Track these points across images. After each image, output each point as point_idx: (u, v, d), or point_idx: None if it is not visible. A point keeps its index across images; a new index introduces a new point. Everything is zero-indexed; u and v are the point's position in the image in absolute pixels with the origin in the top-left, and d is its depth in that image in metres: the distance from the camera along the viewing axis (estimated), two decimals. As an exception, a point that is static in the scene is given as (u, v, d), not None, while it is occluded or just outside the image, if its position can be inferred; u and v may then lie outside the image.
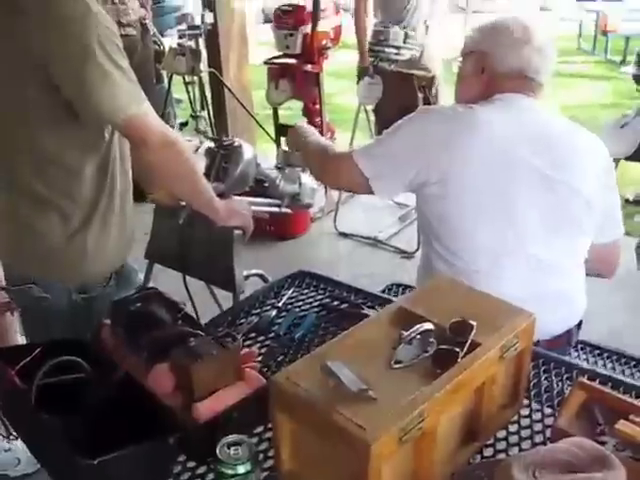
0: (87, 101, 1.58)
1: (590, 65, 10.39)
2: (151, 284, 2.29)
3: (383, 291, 2.49)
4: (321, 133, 4.12)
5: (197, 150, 5.79)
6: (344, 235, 4.23)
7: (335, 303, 1.90)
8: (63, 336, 1.61)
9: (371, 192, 1.87)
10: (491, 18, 1.98)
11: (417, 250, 3.79)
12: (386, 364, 1.24)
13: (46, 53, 1.55)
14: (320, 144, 2.07)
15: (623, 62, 10.02)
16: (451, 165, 1.76)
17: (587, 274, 1.98)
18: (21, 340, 2.89)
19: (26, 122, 1.66)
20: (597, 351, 2.20)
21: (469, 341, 1.26)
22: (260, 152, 5.18)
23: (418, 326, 1.28)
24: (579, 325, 2.00)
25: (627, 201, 4.78)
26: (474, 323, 1.29)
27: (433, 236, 1.88)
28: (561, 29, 12.49)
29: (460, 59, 1.99)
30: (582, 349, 2.19)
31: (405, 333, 1.27)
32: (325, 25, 4.08)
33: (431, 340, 1.28)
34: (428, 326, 1.28)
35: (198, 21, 4.88)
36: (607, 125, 3.26)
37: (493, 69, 1.87)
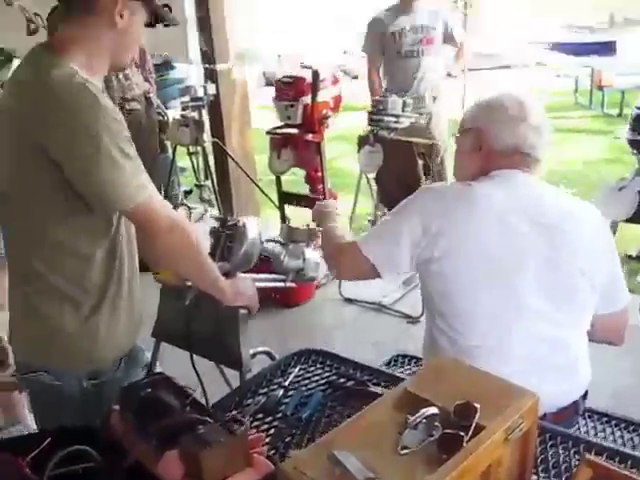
0: (97, 191, 1.62)
1: (587, 119, 10.53)
2: (158, 362, 2.31)
3: (389, 362, 2.50)
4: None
5: (202, 217, 5.89)
6: (349, 301, 4.25)
7: (341, 381, 1.91)
8: (73, 422, 1.63)
9: (378, 275, 1.91)
10: (489, 86, 2.05)
11: (422, 315, 3.80)
12: (392, 450, 1.26)
13: (55, 145, 1.60)
14: (331, 239, 2.13)
15: (620, 115, 10.19)
16: (451, 242, 1.80)
17: (595, 341, 1.99)
18: (30, 417, 2.90)
19: (39, 214, 1.70)
20: (605, 419, 2.18)
21: (473, 425, 1.28)
22: (264, 219, 5.26)
23: (423, 410, 1.29)
24: (585, 395, 2.01)
25: (630, 257, 4.79)
26: (478, 405, 1.30)
27: (436, 312, 1.91)
28: (557, 84, 12.72)
29: (458, 135, 2.04)
30: (589, 417, 2.18)
31: (411, 418, 1.29)
32: (325, 95, 4.17)
33: (436, 424, 1.29)
34: (433, 410, 1.30)
35: (201, 92, 5.01)
36: (606, 187, 3.31)
37: (490, 146, 1.92)
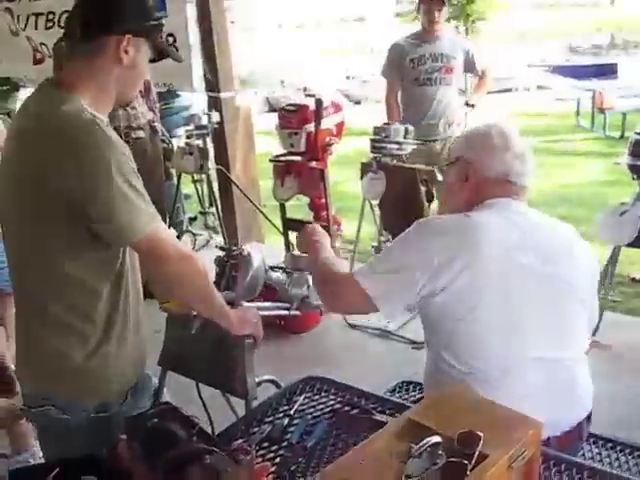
0: (108, 225, 1.64)
1: (589, 142, 10.57)
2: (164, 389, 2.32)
3: (393, 389, 2.51)
4: (328, 227, 4.24)
5: (207, 243, 5.90)
6: (353, 327, 4.25)
7: (346, 409, 1.93)
8: (79, 453, 1.63)
9: (375, 309, 1.88)
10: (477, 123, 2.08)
11: (427, 340, 3.82)
12: (396, 479, 1.27)
13: (66, 180, 1.61)
14: (323, 268, 2.07)
15: (622, 137, 10.25)
16: (454, 275, 1.80)
17: None
18: (37, 445, 2.91)
19: (47, 249, 1.71)
20: (609, 444, 2.19)
21: (477, 453, 1.29)
22: (268, 245, 5.27)
23: (427, 439, 1.31)
24: (589, 418, 2.02)
25: (633, 280, 4.81)
26: (481, 434, 1.32)
27: (441, 344, 1.91)
28: (559, 107, 12.80)
29: (444, 167, 2.08)
30: (594, 443, 2.18)
31: (414, 446, 1.31)
32: (328, 122, 4.18)
33: (440, 452, 1.31)
34: (436, 439, 1.32)
35: (205, 121, 5.06)
36: (607, 212, 3.34)
37: (478, 176, 1.96)
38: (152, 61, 1.85)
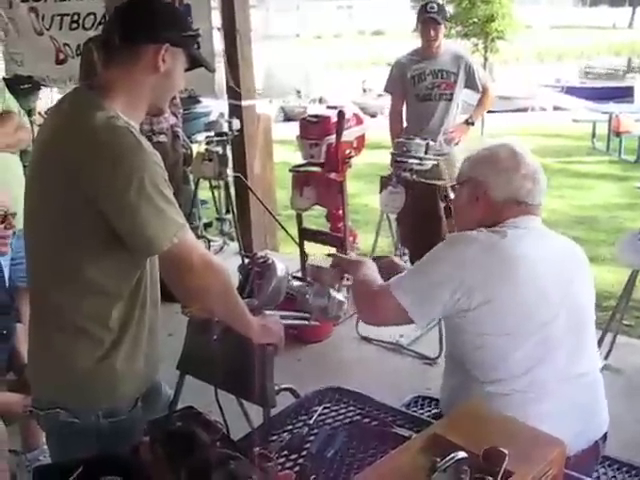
0: (139, 234, 1.63)
1: (604, 165, 10.55)
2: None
3: (409, 404, 2.51)
4: (344, 239, 4.25)
5: (221, 249, 5.89)
6: (366, 340, 4.25)
7: (366, 420, 1.94)
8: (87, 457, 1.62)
9: (409, 322, 1.93)
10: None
11: (439, 356, 3.82)
12: (422, 493, 1.28)
13: (97, 188, 1.61)
14: (362, 284, 2.11)
15: (637, 162, 10.23)
16: (487, 295, 1.84)
17: None
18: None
19: (75, 256, 1.70)
20: (625, 468, 2.19)
21: (502, 470, 1.30)
22: (282, 254, 5.27)
23: (453, 454, 1.32)
24: (604, 437, 2.04)
25: (646, 306, 4.81)
26: (506, 452, 1.33)
27: (467, 360, 1.95)
28: (575, 129, 12.79)
29: (456, 186, 2.10)
30: (609, 466, 2.18)
31: (440, 461, 1.31)
32: (349, 135, 4.21)
33: (465, 468, 1.32)
34: (462, 454, 1.33)
35: (226, 127, 5.08)
36: (628, 236, 3.35)
37: (488, 197, 1.98)
38: (185, 70, 1.87)
